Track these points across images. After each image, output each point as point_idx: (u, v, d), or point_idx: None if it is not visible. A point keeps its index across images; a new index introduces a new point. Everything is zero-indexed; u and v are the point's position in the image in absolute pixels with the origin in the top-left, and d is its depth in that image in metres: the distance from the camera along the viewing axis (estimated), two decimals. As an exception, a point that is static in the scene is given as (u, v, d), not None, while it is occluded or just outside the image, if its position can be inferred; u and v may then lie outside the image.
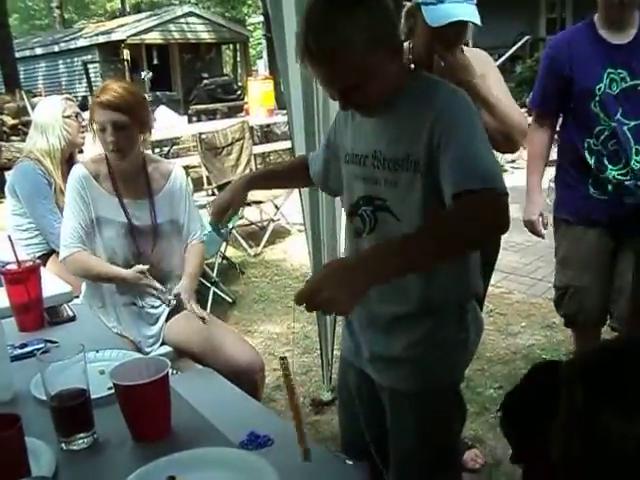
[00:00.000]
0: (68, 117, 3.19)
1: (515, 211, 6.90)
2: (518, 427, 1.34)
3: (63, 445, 1.39)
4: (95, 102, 2.44)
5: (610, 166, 2.54)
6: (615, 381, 1.00)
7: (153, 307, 2.60)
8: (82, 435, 1.39)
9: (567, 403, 1.03)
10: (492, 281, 4.85)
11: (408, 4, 2.14)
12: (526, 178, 2.82)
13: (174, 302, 2.48)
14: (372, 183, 1.61)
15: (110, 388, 1.49)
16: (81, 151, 3.54)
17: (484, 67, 2.29)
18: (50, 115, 3.20)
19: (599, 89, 2.49)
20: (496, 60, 13.80)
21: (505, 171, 9.42)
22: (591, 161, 2.57)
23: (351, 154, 1.68)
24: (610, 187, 2.56)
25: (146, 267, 2.45)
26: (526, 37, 14.94)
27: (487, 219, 1.38)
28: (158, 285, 2.47)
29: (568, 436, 1.04)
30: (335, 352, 3.38)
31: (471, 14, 2.05)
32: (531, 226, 2.78)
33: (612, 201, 2.57)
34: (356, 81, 1.45)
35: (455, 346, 1.68)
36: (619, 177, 2.53)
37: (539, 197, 2.78)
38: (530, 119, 2.87)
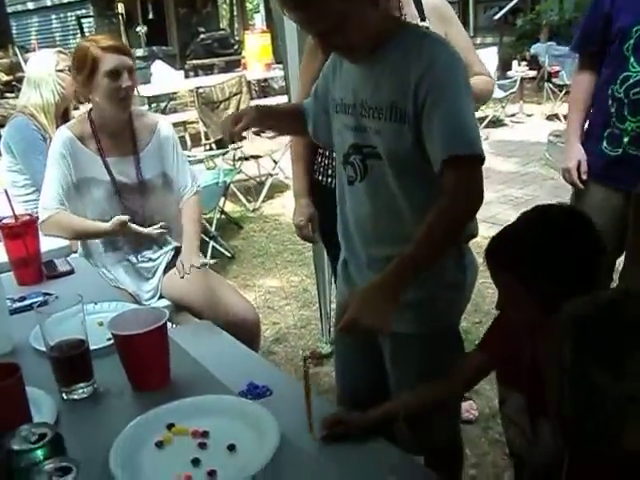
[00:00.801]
0: (61, 71, 3.11)
1: (515, 164, 6.87)
2: (502, 259, 1.39)
3: (64, 395, 1.41)
4: (101, 49, 2.35)
5: (630, 117, 2.36)
6: (603, 338, 0.99)
7: (151, 260, 2.60)
8: (82, 385, 1.41)
9: (558, 359, 1.03)
10: (491, 234, 4.88)
11: None
12: (566, 123, 2.69)
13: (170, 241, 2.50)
14: (361, 131, 1.61)
15: (109, 339, 1.50)
16: (76, 107, 3.49)
17: (444, 22, 2.19)
18: (43, 70, 3.13)
19: (636, 31, 2.29)
20: (496, 13, 13.68)
21: (505, 125, 9.37)
22: (612, 109, 2.41)
23: (340, 104, 1.68)
24: (626, 139, 2.38)
25: (127, 218, 2.41)
26: (527, -12, 14.70)
27: (476, 190, 1.49)
28: (144, 230, 2.46)
29: (561, 395, 1.04)
30: (334, 305, 3.39)
31: None
32: (568, 174, 2.57)
33: (625, 157, 2.39)
34: (334, 25, 1.44)
35: (454, 287, 1.72)
36: (638, 129, 2.35)
37: (577, 144, 2.57)
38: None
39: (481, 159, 1.48)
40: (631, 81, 2.33)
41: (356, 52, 1.55)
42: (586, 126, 2.61)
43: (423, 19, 2.15)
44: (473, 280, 1.78)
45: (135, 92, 2.49)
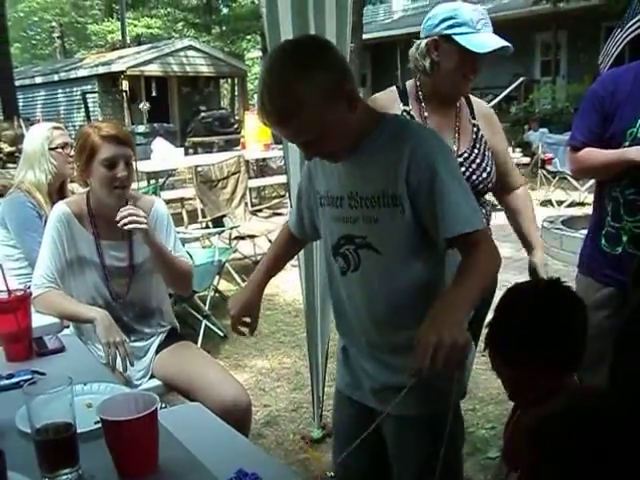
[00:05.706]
0: (54, 149, 3.12)
1: (510, 249, 6.92)
2: (502, 347, 1.51)
3: (47, 480, 1.36)
4: (100, 137, 2.37)
5: (626, 217, 2.31)
6: (560, 451, 1.04)
7: (143, 339, 2.57)
8: (66, 471, 1.36)
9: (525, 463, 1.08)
10: (485, 321, 4.86)
11: (423, 41, 2.17)
12: (606, 159, 2.34)
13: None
14: (351, 222, 1.66)
15: (97, 422, 1.46)
16: (73, 180, 3.50)
17: (490, 127, 2.37)
18: (37, 148, 3.13)
19: (630, 134, 2.26)
20: (491, 100, 14.07)
21: (500, 210, 9.45)
22: (609, 208, 2.37)
23: (326, 197, 1.73)
24: (625, 238, 2.33)
25: (124, 338, 2.34)
26: (521, 78, 15.17)
27: (497, 253, 1.60)
28: (128, 350, 2.33)
29: None
30: (326, 389, 3.34)
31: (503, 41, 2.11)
32: None
33: (625, 257, 2.32)
34: (316, 135, 1.51)
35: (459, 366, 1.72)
36: (635, 230, 2.30)
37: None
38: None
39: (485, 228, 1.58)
40: (626, 181, 2.29)
41: (338, 155, 1.61)
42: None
43: (474, 117, 2.30)
44: (472, 359, 1.84)
45: (132, 181, 2.49)
